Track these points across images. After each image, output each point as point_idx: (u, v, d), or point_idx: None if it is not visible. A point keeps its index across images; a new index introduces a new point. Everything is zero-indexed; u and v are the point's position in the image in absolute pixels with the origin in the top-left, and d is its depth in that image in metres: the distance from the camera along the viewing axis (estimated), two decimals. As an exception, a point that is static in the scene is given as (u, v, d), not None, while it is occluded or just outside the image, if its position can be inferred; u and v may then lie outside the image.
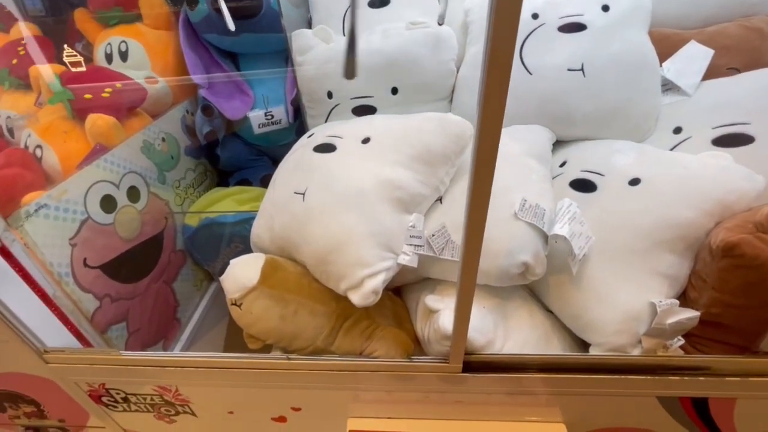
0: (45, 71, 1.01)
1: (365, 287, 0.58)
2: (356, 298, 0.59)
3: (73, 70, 1.00)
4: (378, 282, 0.59)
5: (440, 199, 0.70)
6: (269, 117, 1.17)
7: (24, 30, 1.14)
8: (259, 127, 1.17)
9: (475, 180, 0.43)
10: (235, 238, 1.09)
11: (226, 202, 1.15)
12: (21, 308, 0.65)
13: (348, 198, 0.62)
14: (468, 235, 0.47)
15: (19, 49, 1.12)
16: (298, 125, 1.16)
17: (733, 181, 0.60)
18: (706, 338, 0.61)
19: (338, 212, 0.62)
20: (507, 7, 0.33)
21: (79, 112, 0.94)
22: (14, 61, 1.11)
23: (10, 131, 1.04)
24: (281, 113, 1.16)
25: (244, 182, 1.25)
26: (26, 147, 0.95)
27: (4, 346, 0.67)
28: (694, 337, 0.62)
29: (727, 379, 0.60)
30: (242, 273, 0.63)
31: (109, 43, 1.12)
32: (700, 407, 0.64)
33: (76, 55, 1.06)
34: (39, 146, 0.93)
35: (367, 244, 0.60)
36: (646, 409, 0.66)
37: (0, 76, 1.07)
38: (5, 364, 0.77)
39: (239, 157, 1.28)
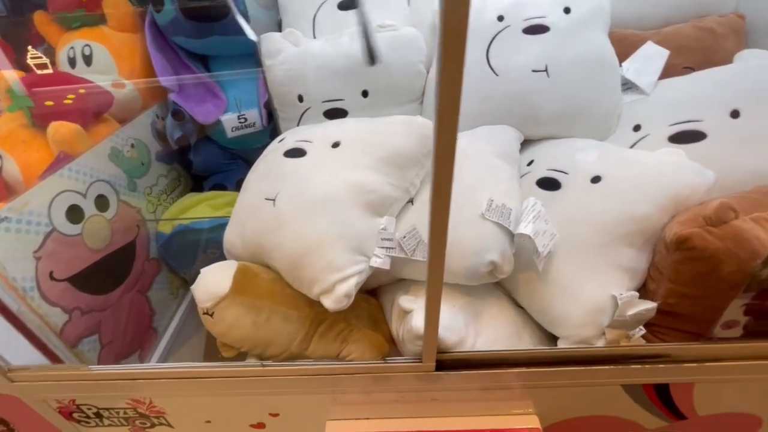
0: (3, 77, 0.97)
1: (337, 291, 0.59)
2: (329, 302, 0.59)
3: (39, 72, 0.96)
4: (350, 286, 0.60)
5: (411, 201, 0.71)
6: (242, 120, 1.15)
7: (-22, 34, 1.10)
8: (232, 130, 1.16)
9: (435, 180, 0.44)
10: (210, 244, 1.07)
11: (200, 207, 1.13)
12: (-18, 326, 0.63)
13: (318, 203, 0.62)
14: (433, 235, 0.48)
15: (-26, 54, 1.07)
16: (272, 128, 1.15)
17: (686, 177, 0.63)
18: (665, 327, 0.64)
19: (309, 217, 0.62)
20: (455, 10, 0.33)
21: (41, 119, 0.91)
22: (-31, 67, 1.06)
23: (-32, 141, 0.99)
24: (255, 116, 1.14)
25: (219, 186, 1.23)
26: (-16, 157, 0.91)
27: (-35, 366, 0.65)
28: (654, 327, 0.65)
29: (685, 365, 0.63)
30: (213, 281, 0.63)
31: (72, 47, 1.08)
32: (662, 393, 0.67)
33: (41, 57, 1.03)
34: (-2, 156, 0.89)
35: (338, 248, 0.60)
36: (613, 397, 0.69)
37: (-46, 82, 1.02)
38: (-31, 384, 0.74)
39: (213, 161, 1.26)
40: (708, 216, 0.54)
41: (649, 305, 0.59)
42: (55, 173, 0.83)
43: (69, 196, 0.85)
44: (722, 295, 0.56)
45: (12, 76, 0.96)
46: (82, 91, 0.96)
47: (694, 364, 0.63)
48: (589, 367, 0.64)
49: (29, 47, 1.06)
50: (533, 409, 0.71)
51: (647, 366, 0.63)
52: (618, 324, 0.61)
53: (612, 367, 0.63)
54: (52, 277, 0.80)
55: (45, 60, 1.00)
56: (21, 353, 0.70)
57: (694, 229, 0.55)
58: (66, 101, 0.93)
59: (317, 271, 0.60)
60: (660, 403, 0.70)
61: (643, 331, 0.64)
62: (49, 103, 0.91)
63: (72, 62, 1.09)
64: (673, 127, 0.72)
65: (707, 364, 0.63)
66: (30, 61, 1.02)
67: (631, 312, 0.59)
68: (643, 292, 0.66)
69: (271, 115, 1.11)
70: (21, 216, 0.74)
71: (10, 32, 1.15)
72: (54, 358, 0.75)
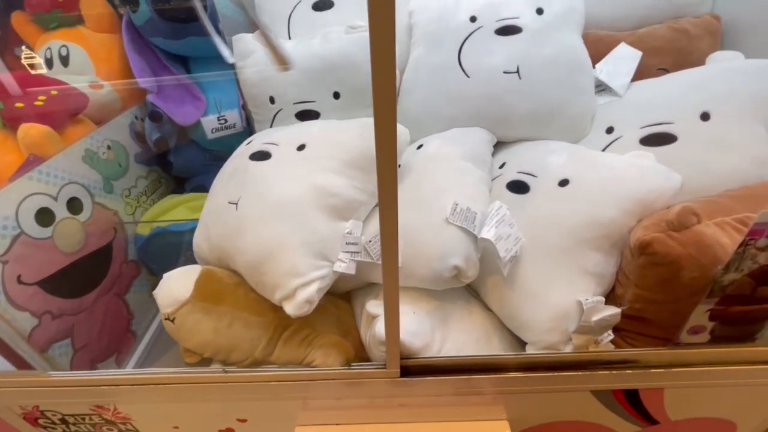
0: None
1: (298, 297, 0.58)
2: (290, 308, 0.58)
3: (33, 72, 0.95)
4: (311, 291, 0.59)
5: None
6: (222, 121, 1.14)
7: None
8: (212, 132, 1.14)
9: (380, 181, 0.42)
10: (190, 246, 1.06)
11: (179, 210, 1.12)
12: (-60, 332, 0.62)
13: (280, 207, 0.61)
14: (384, 239, 0.47)
15: (-53, 55, 1.06)
16: (250, 130, 1.14)
17: (653, 181, 0.62)
18: (633, 332, 0.64)
19: (270, 221, 0.61)
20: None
21: (10, 121, 0.90)
22: (-59, 69, 1.05)
23: (-61, 143, 0.98)
24: (235, 117, 1.13)
25: (201, 188, 1.22)
26: (-47, 160, 0.90)
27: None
28: (623, 332, 0.65)
29: (653, 370, 0.62)
30: (175, 286, 0.62)
31: (49, 48, 1.07)
32: (632, 398, 0.67)
33: (34, 57, 1.02)
34: (-33, 159, 0.88)
35: (299, 252, 0.59)
36: (583, 402, 0.68)
37: (-75, 84, 1.01)
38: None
39: (194, 162, 1.24)
40: (670, 221, 0.54)
41: (614, 311, 0.58)
42: (23, 176, 0.82)
43: (38, 199, 0.84)
44: (686, 300, 0.55)
45: (-18, 77, 0.95)
46: (54, 92, 0.95)
47: (662, 370, 0.62)
48: (557, 373, 0.63)
49: (23, 47, 1.05)
50: (504, 415, 0.71)
51: (615, 372, 0.62)
52: (584, 329, 0.61)
53: (580, 372, 0.63)
54: (20, 281, 0.78)
55: (37, 60, 1.00)
56: (-15, 359, 0.69)
57: (656, 234, 0.54)
58: (37, 103, 0.92)
59: (278, 276, 0.59)
60: (631, 408, 0.69)
61: (612, 336, 0.64)
62: (18, 104, 0.90)
63: (49, 63, 1.08)
64: (645, 129, 0.72)
65: (675, 369, 0.62)
66: (24, 61, 1.01)
67: (596, 318, 0.59)
68: (612, 296, 0.65)
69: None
70: (-14, 220, 0.73)
71: (-10, 33, 1.14)
72: (23, 363, 0.74)
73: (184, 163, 1.21)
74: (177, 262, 1.09)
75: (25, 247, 0.80)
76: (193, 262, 0.74)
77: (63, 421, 0.72)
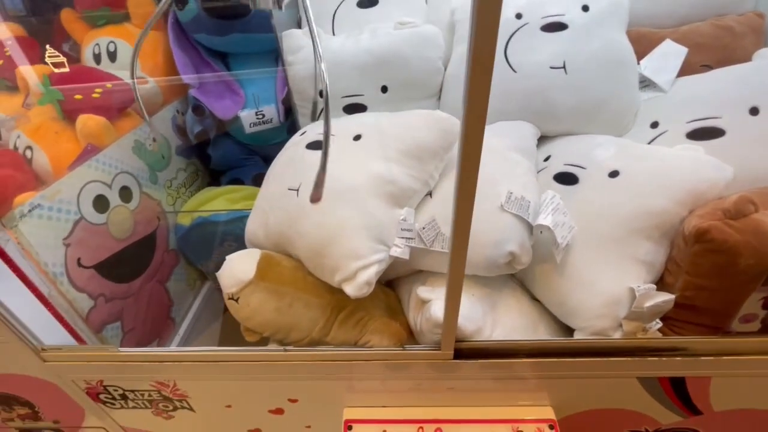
0: (32, 72, 1.01)
1: (359, 279, 0.61)
2: (350, 289, 0.61)
3: (57, 71, 1.00)
4: (371, 273, 0.61)
5: (430, 194, 0.72)
6: (260, 116, 1.17)
7: (7, 31, 1.13)
8: (250, 126, 1.18)
9: (461, 172, 0.45)
10: (227, 236, 1.10)
11: (218, 201, 1.15)
12: (18, 308, 0.65)
13: (341, 193, 0.64)
14: (456, 226, 0.49)
15: (5, 50, 1.11)
16: (289, 124, 1.17)
17: (704, 172, 0.64)
18: (682, 321, 0.65)
19: (331, 207, 0.64)
20: (488, 8, 0.35)
21: (69, 113, 0.94)
22: (0, 62, 1.10)
23: (-2, 133, 1.03)
24: (272, 112, 1.16)
25: (236, 181, 1.26)
26: (15, 148, 0.95)
27: (3, 346, 0.68)
28: (671, 320, 0.66)
29: (701, 358, 0.63)
30: (239, 268, 0.65)
31: (97, 44, 1.11)
32: (678, 386, 0.68)
33: (58, 56, 1.06)
34: (29, 147, 0.93)
35: (359, 236, 0.62)
36: (628, 390, 0.69)
37: (-16, 77, 1.06)
38: (3, 365, 0.77)
39: (231, 156, 1.28)
40: (727, 209, 0.55)
41: (667, 297, 0.60)
42: (83, 164, 0.86)
43: (96, 187, 0.88)
44: (740, 288, 0.56)
45: (43, 71, 0.99)
46: (108, 86, 0.99)
47: (711, 358, 0.63)
48: (604, 359, 0.64)
49: (51, 46, 1.09)
50: (548, 401, 0.72)
51: (664, 359, 0.64)
52: (635, 316, 0.62)
53: (628, 359, 0.64)
54: (79, 264, 0.82)
55: (62, 58, 1.04)
56: (51, 335, 0.72)
57: (713, 222, 0.55)
58: (94, 95, 0.96)
59: (339, 258, 0.62)
60: (675, 397, 0.70)
61: (660, 324, 0.65)
62: (78, 96, 0.94)
63: (97, 58, 1.12)
64: (691, 123, 0.73)
65: (724, 358, 0.63)
66: (48, 60, 1.05)
67: (648, 304, 0.60)
68: (661, 285, 0.66)
69: (288, 111, 1.13)
70: (53, 204, 0.77)
71: (37, 30, 1.19)
72: (80, 342, 0.78)
73: (221, 156, 1.25)
74: (214, 251, 1.13)
75: (84, 231, 0.84)
76: (230, 252, 0.76)
77: (123, 396, 0.75)
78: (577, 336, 0.68)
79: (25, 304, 0.67)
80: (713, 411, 0.71)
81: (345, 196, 0.64)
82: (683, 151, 0.68)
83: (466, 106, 0.41)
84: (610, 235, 0.65)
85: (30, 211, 0.72)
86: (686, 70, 0.82)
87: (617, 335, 0.65)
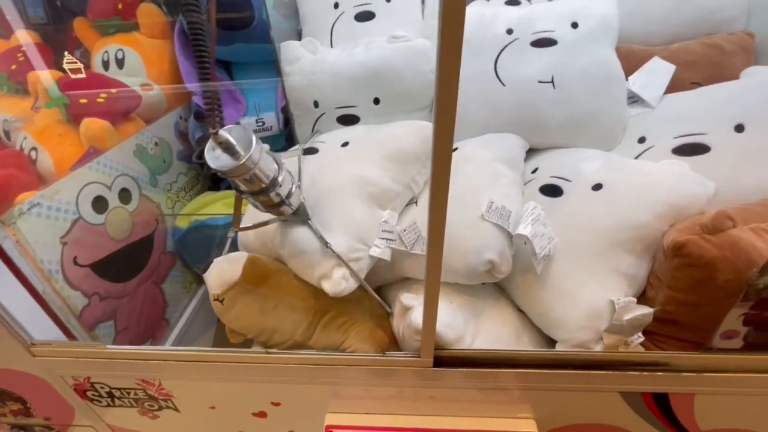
0: (43, 77, 1.05)
1: (335, 275, 0.62)
2: (328, 286, 0.62)
3: (73, 76, 1.04)
4: (347, 270, 0.62)
5: (416, 202, 0.73)
6: (260, 124, 1.20)
7: (23, 37, 1.18)
8: (250, 133, 1.20)
9: (434, 176, 0.46)
10: (224, 240, 1.11)
11: (216, 205, 1.18)
12: (11, 303, 0.67)
13: (323, 193, 0.66)
14: (431, 228, 0.50)
15: (19, 55, 1.16)
16: (288, 132, 1.20)
17: (687, 187, 0.64)
18: (664, 335, 0.65)
19: (314, 206, 0.65)
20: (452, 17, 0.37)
21: (75, 116, 0.98)
22: (13, 67, 1.14)
23: (7, 134, 1.07)
24: (272, 120, 1.20)
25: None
26: (22, 149, 0.98)
27: (-7, 340, 0.69)
28: (653, 335, 0.65)
29: (684, 374, 0.63)
30: (225, 269, 0.66)
31: (107, 51, 1.16)
32: (661, 402, 0.67)
33: (76, 62, 1.11)
34: (34, 148, 0.96)
35: (338, 233, 0.64)
36: (611, 404, 0.69)
37: (-1, 81, 1.11)
38: (-6, 359, 0.78)
39: (230, 162, 1.30)
40: (705, 224, 0.55)
41: (646, 311, 0.60)
42: (84, 166, 0.89)
43: (96, 188, 0.90)
44: (719, 303, 0.56)
45: (51, 76, 1.03)
46: (113, 91, 1.03)
47: (693, 374, 0.63)
48: (585, 372, 0.64)
49: (65, 53, 1.14)
50: (531, 413, 0.72)
51: (645, 373, 0.63)
52: (615, 329, 0.62)
53: (609, 372, 0.64)
54: (75, 263, 0.85)
55: (79, 65, 1.08)
56: (43, 331, 0.74)
57: (690, 236, 0.56)
58: (98, 100, 1.00)
59: (318, 255, 0.63)
60: (660, 414, 0.69)
61: (642, 338, 0.65)
62: (83, 101, 0.98)
63: (105, 65, 1.16)
64: (678, 139, 0.74)
65: (707, 374, 0.62)
66: (66, 66, 1.10)
67: (628, 317, 0.60)
68: (643, 299, 0.66)
69: (287, 119, 1.16)
70: (52, 203, 0.80)
71: (51, 37, 1.24)
72: (72, 339, 0.79)
73: (221, 162, 1.28)
74: (210, 255, 1.15)
75: (81, 231, 0.86)
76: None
77: (110, 394, 0.76)
78: (559, 348, 0.68)
79: (18, 300, 0.69)
80: (699, 429, 0.70)
81: (327, 195, 0.66)
82: (668, 165, 0.69)
83: (437, 103, 0.42)
84: (593, 248, 0.65)
85: (29, 209, 0.75)
86: (676, 87, 0.83)
87: (598, 348, 0.65)
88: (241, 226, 0.79)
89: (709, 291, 0.56)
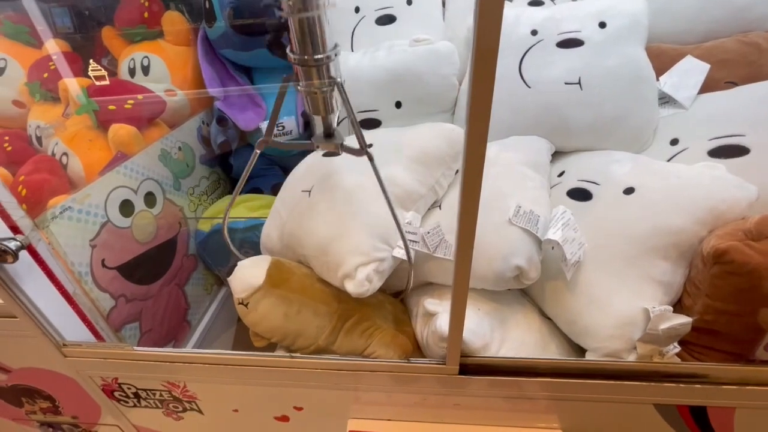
0: (73, 84, 1.08)
1: (359, 275, 0.61)
2: (351, 286, 0.62)
3: (97, 83, 1.07)
4: (370, 270, 0.62)
5: (439, 206, 0.72)
6: (280, 128, 1.21)
7: (54, 46, 1.23)
8: (270, 137, 1.22)
9: (465, 181, 0.45)
10: (245, 243, 1.13)
11: (237, 208, 1.19)
12: (44, 304, 0.69)
13: (348, 193, 0.66)
14: (460, 233, 0.49)
15: (50, 63, 1.20)
16: (308, 136, 1.21)
17: (726, 191, 0.61)
18: (701, 346, 0.62)
19: (339, 206, 0.65)
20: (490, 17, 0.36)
21: (103, 122, 1.00)
22: (45, 75, 1.19)
23: (39, 140, 1.11)
24: (292, 124, 1.21)
25: (256, 190, 1.30)
26: (53, 154, 1.02)
27: (28, 341, 0.71)
28: (690, 345, 0.63)
29: (724, 387, 0.60)
30: (249, 273, 0.66)
31: (133, 59, 1.19)
32: (698, 416, 0.64)
33: (100, 70, 1.14)
34: (65, 154, 0.99)
35: (363, 233, 0.63)
36: (644, 417, 0.66)
37: (32, 89, 1.15)
38: (27, 359, 0.81)
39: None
40: (749, 229, 0.53)
41: (684, 320, 0.57)
42: (112, 170, 0.91)
43: (123, 192, 0.93)
44: (763, 313, 0.54)
45: (81, 83, 1.06)
46: (140, 97, 1.06)
47: (734, 387, 0.60)
48: (618, 382, 0.62)
49: (90, 60, 1.18)
50: (558, 423, 0.70)
51: (682, 385, 0.61)
52: (650, 338, 0.60)
53: (644, 383, 0.61)
54: (104, 265, 0.87)
55: (103, 72, 1.11)
56: (74, 333, 0.76)
57: (733, 243, 0.53)
58: (126, 106, 1.02)
59: (342, 254, 0.63)
60: (696, 427, 0.66)
61: (678, 348, 0.62)
62: (111, 107, 1.00)
63: (132, 72, 1.20)
64: (714, 141, 0.71)
65: (749, 387, 0.60)
66: (90, 73, 1.13)
67: (664, 326, 0.58)
68: (678, 307, 0.64)
69: (307, 123, 1.17)
70: (82, 207, 0.82)
71: (80, 46, 1.28)
72: (100, 340, 0.81)
73: (242, 165, 1.30)
74: (231, 258, 1.16)
75: (109, 234, 0.88)
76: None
77: (136, 395, 0.77)
78: (588, 357, 0.66)
79: (50, 301, 0.71)
80: (740, 445, 0.67)
81: (352, 196, 0.66)
82: (704, 168, 0.66)
83: (470, 109, 0.41)
84: (625, 254, 0.63)
85: (61, 212, 0.77)
86: (710, 87, 0.80)
87: (631, 358, 0.62)
88: (264, 229, 0.80)
89: (752, 300, 0.54)
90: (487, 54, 0.37)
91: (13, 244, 0.60)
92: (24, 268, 0.65)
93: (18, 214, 0.67)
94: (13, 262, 0.61)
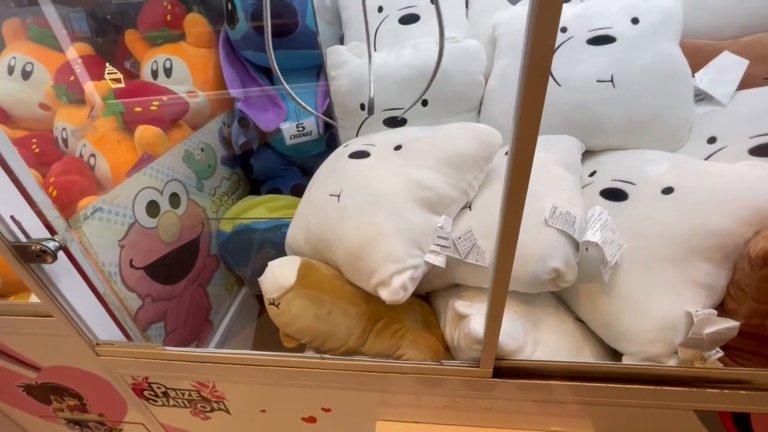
0: (98, 87, 1.10)
1: (394, 283, 0.60)
2: (386, 294, 0.61)
3: (113, 86, 1.08)
4: (405, 278, 0.61)
5: (470, 207, 0.71)
6: (301, 129, 1.22)
7: (79, 50, 1.25)
8: (290, 138, 1.22)
9: (510, 185, 0.45)
10: (265, 244, 1.13)
11: (258, 209, 1.20)
12: (79, 304, 0.70)
13: (379, 198, 0.65)
14: (501, 239, 0.48)
15: (76, 67, 1.22)
16: (328, 137, 1.21)
17: (772, 190, 0.59)
18: (745, 351, 0.60)
19: (370, 211, 0.64)
20: (545, 23, 0.35)
21: (129, 123, 1.02)
22: (71, 78, 1.21)
23: (65, 141, 1.13)
24: (312, 125, 1.21)
25: (275, 191, 1.31)
26: (81, 155, 1.03)
27: (62, 340, 0.72)
28: (733, 350, 0.61)
29: (769, 394, 0.58)
30: (280, 274, 0.66)
31: (155, 61, 1.20)
32: (741, 424, 0.62)
33: (116, 73, 1.16)
34: (93, 155, 1.00)
35: (396, 240, 0.62)
36: (684, 423, 0.64)
37: (58, 91, 1.17)
38: (58, 358, 0.82)
39: (271, 167, 1.33)
40: (801, 231, 0.51)
41: (731, 324, 0.55)
42: (139, 171, 0.92)
43: (149, 193, 0.93)
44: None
45: (108, 85, 1.08)
46: (164, 99, 1.07)
47: (781, 394, 0.58)
48: (657, 387, 0.60)
49: (106, 64, 1.19)
50: (592, 429, 0.68)
51: (725, 391, 0.59)
52: (693, 343, 0.58)
53: (684, 389, 0.59)
54: (131, 265, 0.87)
55: (119, 75, 1.13)
56: (104, 332, 0.76)
57: (784, 244, 0.51)
58: (152, 108, 1.03)
59: (376, 261, 0.62)
60: (738, 435, 0.64)
61: (720, 353, 0.60)
62: (138, 109, 1.01)
63: (155, 74, 1.21)
64: (755, 139, 0.68)
65: (796, 394, 0.57)
66: (106, 77, 1.15)
67: (708, 330, 0.56)
68: (721, 311, 0.62)
69: (327, 125, 1.17)
70: (112, 207, 0.83)
71: (104, 49, 1.30)
72: (128, 339, 0.82)
73: (262, 166, 1.30)
74: (251, 258, 1.17)
75: (137, 234, 0.89)
76: (268, 258, 0.78)
77: (165, 394, 0.78)
78: (626, 361, 0.64)
79: (85, 302, 0.72)
80: (783, 454, 0.65)
81: (383, 200, 0.65)
82: (747, 167, 0.64)
83: (519, 117, 0.40)
84: (665, 255, 0.61)
85: (92, 213, 0.78)
86: (747, 83, 0.77)
87: (671, 362, 0.60)
88: (290, 231, 0.79)
89: (804, 304, 0.52)
90: (542, 53, 0.36)
91: (52, 245, 0.60)
92: (59, 269, 0.66)
93: (52, 214, 0.67)
94: (52, 262, 0.61)
